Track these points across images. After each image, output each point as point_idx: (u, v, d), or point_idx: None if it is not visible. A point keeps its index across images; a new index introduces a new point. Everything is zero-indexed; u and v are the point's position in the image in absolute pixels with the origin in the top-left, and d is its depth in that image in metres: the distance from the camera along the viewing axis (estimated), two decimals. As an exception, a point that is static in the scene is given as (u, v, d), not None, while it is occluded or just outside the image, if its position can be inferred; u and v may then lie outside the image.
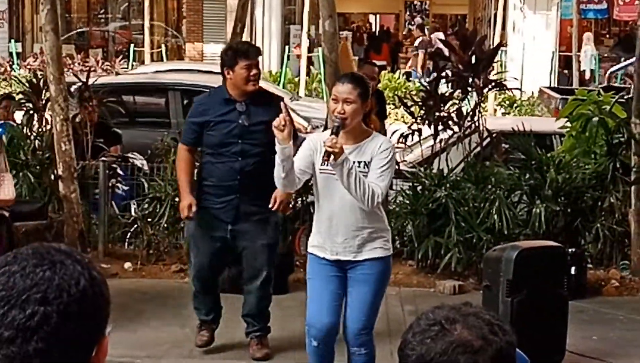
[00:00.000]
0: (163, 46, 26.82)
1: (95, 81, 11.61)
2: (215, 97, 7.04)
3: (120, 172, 10.36)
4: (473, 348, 1.84)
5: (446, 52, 10.94)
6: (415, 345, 1.87)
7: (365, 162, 5.69)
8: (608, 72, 21.67)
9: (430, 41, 28.37)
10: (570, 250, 8.39)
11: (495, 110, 20.19)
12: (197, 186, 7.14)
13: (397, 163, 10.32)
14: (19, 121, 11.38)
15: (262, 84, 7.69)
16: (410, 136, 10.28)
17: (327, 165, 5.56)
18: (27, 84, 11.38)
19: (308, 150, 5.77)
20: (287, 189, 6.07)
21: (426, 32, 31.04)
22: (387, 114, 10.12)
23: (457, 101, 10.08)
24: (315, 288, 5.86)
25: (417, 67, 27.57)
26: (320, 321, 5.81)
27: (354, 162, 5.58)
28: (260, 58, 7.09)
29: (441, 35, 29.51)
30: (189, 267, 7.32)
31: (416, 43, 28.68)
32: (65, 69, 11.65)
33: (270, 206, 6.69)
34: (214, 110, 6.90)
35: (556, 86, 20.82)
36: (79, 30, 30.31)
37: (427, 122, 9.99)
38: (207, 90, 8.97)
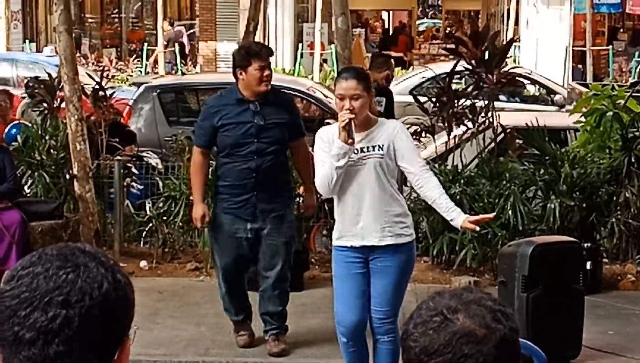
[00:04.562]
0: (176, 45, 26.86)
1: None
2: (227, 98, 7.07)
3: (135, 171, 10.39)
4: (477, 337, 1.82)
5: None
6: (418, 336, 1.85)
7: (379, 145, 5.83)
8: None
9: (180, 33, 27.87)
10: (585, 244, 8.37)
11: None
12: (214, 188, 7.24)
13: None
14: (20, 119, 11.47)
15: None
16: (424, 133, 10.29)
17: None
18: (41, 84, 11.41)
19: (327, 145, 5.81)
20: (333, 193, 5.92)
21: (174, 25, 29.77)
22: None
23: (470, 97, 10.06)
24: (341, 286, 5.93)
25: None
26: (348, 319, 5.90)
27: (367, 147, 5.79)
28: (272, 58, 7.14)
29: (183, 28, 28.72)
30: (215, 269, 7.37)
31: (163, 35, 27.98)
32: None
33: (301, 207, 6.88)
34: (227, 111, 6.93)
35: (585, 81, 20.73)
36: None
37: (440, 118, 9.98)
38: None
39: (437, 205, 5.87)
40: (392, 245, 5.82)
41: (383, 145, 5.83)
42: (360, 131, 5.83)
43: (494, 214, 6.39)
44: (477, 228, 6.01)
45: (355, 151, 5.80)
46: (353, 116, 5.69)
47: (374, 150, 5.81)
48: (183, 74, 21.98)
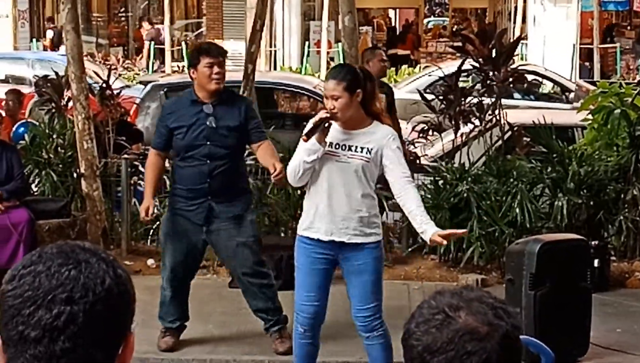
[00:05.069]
0: (183, 43, 26.88)
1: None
2: (183, 100, 7.02)
3: (142, 169, 10.38)
4: (480, 334, 1.82)
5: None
6: (420, 335, 1.85)
7: (368, 149, 5.78)
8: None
9: (159, 31, 27.82)
10: (593, 242, 8.35)
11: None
12: (170, 190, 7.24)
13: (419, 157, 10.35)
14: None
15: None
16: (431, 131, 10.28)
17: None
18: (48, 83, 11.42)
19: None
20: (299, 184, 6.05)
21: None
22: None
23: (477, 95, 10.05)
24: (304, 279, 5.93)
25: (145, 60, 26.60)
26: (310, 309, 5.93)
27: (355, 147, 5.74)
28: (224, 58, 6.83)
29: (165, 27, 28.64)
30: (162, 271, 7.20)
31: (145, 35, 27.95)
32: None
33: (272, 172, 6.57)
34: (182, 113, 6.85)
35: (593, 79, 20.69)
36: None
37: (447, 116, 9.97)
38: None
39: (413, 216, 5.79)
40: (362, 243, 5.81)
41: (371, 149, 5.77)
42: (349, 129, 5.80)
43: (465, 230, 6.23)
44: (445, 242, 5.91)
45: (343, 148, 5.78)
46: (328, 115, 5.67)
47: (361, 152, 5.77)
48: None
